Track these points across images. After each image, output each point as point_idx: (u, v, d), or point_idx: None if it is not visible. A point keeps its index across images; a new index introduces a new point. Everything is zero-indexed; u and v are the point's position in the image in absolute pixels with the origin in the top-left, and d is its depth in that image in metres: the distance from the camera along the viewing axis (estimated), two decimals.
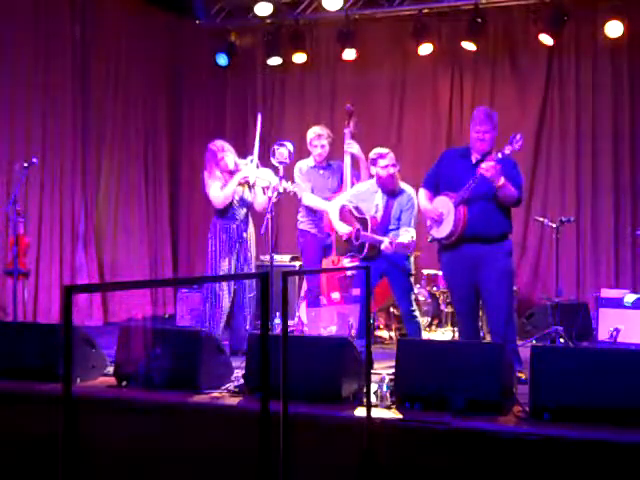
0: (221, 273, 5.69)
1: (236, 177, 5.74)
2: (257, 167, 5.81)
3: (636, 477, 3.29)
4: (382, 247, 5.38)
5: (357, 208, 5.74)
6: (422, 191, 5.09)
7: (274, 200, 5.48)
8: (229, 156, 5.80)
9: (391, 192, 5.62)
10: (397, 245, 5.24)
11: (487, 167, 4.55)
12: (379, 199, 5.65)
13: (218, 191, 5.73)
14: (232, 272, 5.77)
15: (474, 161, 4.84)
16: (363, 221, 5.67)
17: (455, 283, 5.05)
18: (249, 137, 9.06)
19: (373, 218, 5.62)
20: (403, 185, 5.70)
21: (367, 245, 5.56)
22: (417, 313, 5.67)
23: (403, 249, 5.27)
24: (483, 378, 3.76)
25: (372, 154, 5.67)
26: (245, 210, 5.87)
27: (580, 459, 3.38)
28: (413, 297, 5.70)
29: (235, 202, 5.78)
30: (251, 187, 5.84)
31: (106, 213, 8.14)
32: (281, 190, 5.48)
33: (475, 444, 3.54)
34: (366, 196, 5.73)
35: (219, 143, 5.87)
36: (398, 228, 5.52)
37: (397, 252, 5.35)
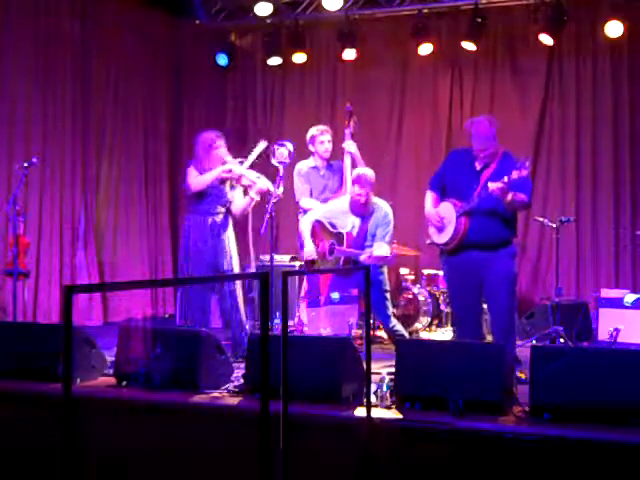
0: (200, 271, 5.37)
1: (220, 167, 5.43)
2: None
3: (636, 477, 3.29)
4: (361, 259, 5.43)
5: (331, 224, 5.77)
6: (429, 194, 5.06)
7: (254, 196, 5.43)
8: (223, 150, 5.52)
9: (359, 215, 5.66)
10: (375, 258, 5.32)
11: (494, 188, 4.56)
12: (355, 219, 5.68)
13: (196, 176, 5.42)
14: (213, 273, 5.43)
15: (478, 168, 4.85)
16: (338, 236, 5.70)
17: (456, 289, 5.04)
18: (249, 137, 9.10)
19: (349, 234, 5.65)
20: (380, 202, 5.72)
21: (342, 259, 5.58)
22: (399, 327, 5.67)
23: (381, 261, 5.35)
24: (483, 378, 3.76)
25: (354, 173, 5.69)
26: (223, 210, 5.51)
27: (580, 459, 3.38)
28: (391, 312, 5.69)
29: (211, 196, 5.44)
30: (232, 187, 5.53)
31: (106, 213, 8.14)
32: (276, 191, 5.40)
33: (475, 444, 3.54)
34: (342, 214, 5.74)
35: (214, 133, 5.62)
36: (372, 245, 5.54)
37: (376, 264, 5.38)
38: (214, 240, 5.46)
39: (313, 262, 5.73)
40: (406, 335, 5.74)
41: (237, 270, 5.63)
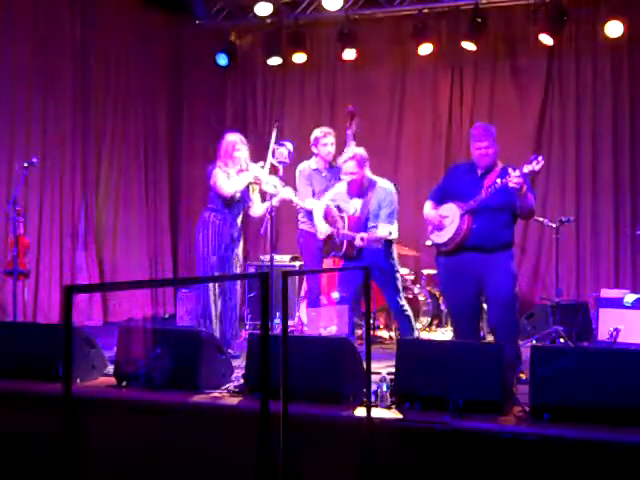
0: (212, 270, 5.46)
1: (249, 173, 5.52)
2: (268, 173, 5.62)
3: (636, 477, 3.29)
4: (355, 243, 5.46)
5: (338, 207, 5.78)
6: (428, 203, 5.09)
7: (275, 204, 5.48)
8: (244, 152, 5.60)
9: (357, 195, 5.67)
10: (368, 239, 5.34)
11: (516, 178, 4.54)
12: (356, 201, 5.69)
13: (226, 180, 5.49)
14: (221, 272, 5.52)
15: (480, 173, 4.87)
16: (342, 219, 5.71)
17: (453, 289, 5.02)
18: (249, 137, 9.07)
19: (351, 217, 5.65)
20: (382, 182, 5.71)
21: (345, 243, 5.58)
22: (407, 307, 5.72)
23: (375, 243, 5.35)
24: (483, 378, 3.76)
25: (348, 153, 5.70)
26: (241, 213, 5.67)
27: (580, 459, 3.38)
28: (401, 293, 5.72)
29: (239, 199, 5.57)
30: (253, 190, 5.65)
31: (106, 213, 8.14)
32: (296, 201, 5.47)
33: (475, 444, 3.54)
34: (343, 196, 5.77)
35: (237, 136, 5.67)
36: (377, 225, 5.55)
37: (370, 246, 5.41)
38: (232, 242, 5.58)
39: (330, 240, 5.76)
40: (411, 317, 5.73)
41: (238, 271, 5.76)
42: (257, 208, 5.70)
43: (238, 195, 5.56)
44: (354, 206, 5.66)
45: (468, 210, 4.78)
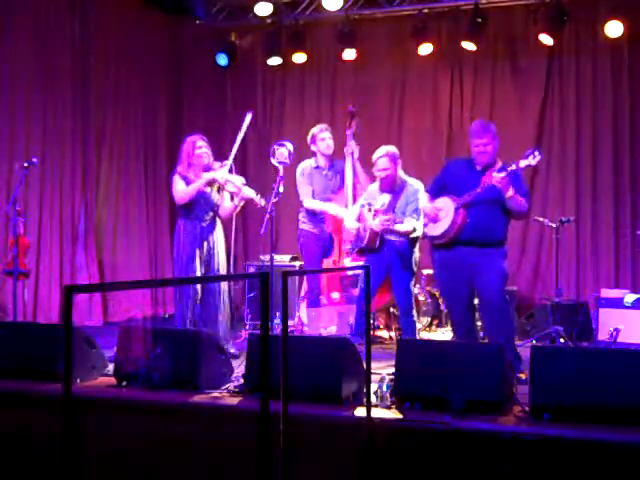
0: (188, 274, 5.48)
1: (205, 176, 5.51)
2: (230, 171, 5.57)
3: (636, 477, 3.29)
4: (373, 226, 5.55)
5: (369, 204, 5.87)
6: (424, 195, 5.15)
7: (237, 203, 5.50)
8: (205, 151, 5.60)
9: (389, 191, 5.76)
10: (382, 221, 5.44)
11: (499, 178, 4.57)
12: (385, 196, 5.75)
13: (182, 186, 5.52)
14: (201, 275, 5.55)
15: (479, 169, 4.89)
16: (370, 212, 5.81)
17: (447, 283, 5.05)
18: (249, 138, 9.10)
19: (378, 210, 5.73)
20: (412, 180, 5.82)
21: (368, 233, 5.63)
22: (414, 312, 5.78)
23: (386, 223, 5.43)
24: (483, 378, 3.76)
25: (382, 151, 5.76)
26: (211, 214, 5.62)
27: (580, 459, 3.38)
28: (413, 297, 5.75)
29: (200, 202, 5.55)
30: (219, 190, 5.63)
31: (106, 213, 8.14)
32: (257, 200, 5.46)
33: (475, 444, 3.53)
34: (374, 195, 5.86)
35: (197, 136, 5.68)
36: (403, 221, 5.59)
37: (383, 227, 5.50)
38: (203, 245, 5.57)
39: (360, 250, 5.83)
40: (416, 322, 5.79)
41: (224, 272, 5.75)
42: (225, 206, 5.69)
43: (197, 197, 5.53)
44: (382, 200, 5.75)
45: (462, 204, 4.80)
